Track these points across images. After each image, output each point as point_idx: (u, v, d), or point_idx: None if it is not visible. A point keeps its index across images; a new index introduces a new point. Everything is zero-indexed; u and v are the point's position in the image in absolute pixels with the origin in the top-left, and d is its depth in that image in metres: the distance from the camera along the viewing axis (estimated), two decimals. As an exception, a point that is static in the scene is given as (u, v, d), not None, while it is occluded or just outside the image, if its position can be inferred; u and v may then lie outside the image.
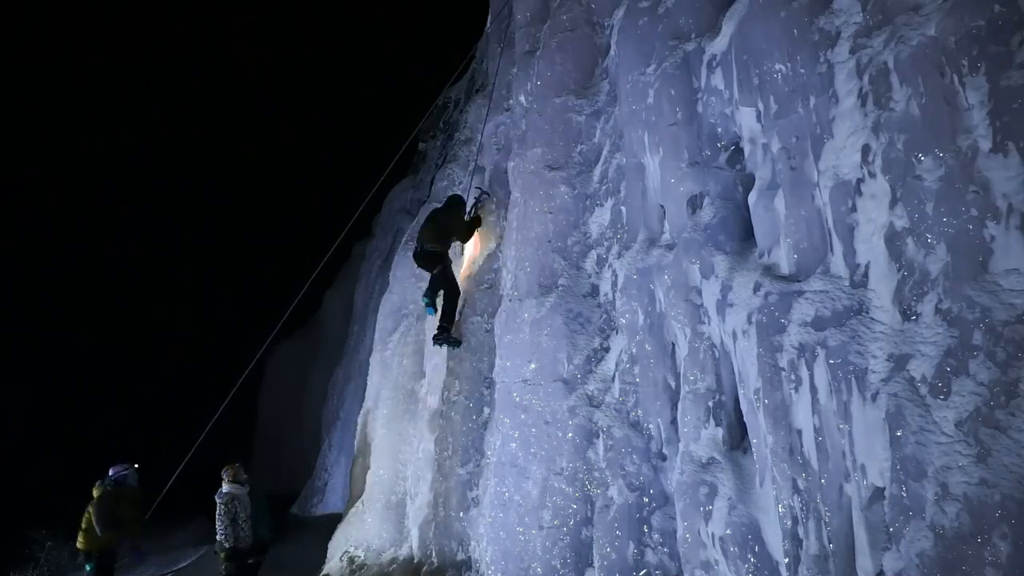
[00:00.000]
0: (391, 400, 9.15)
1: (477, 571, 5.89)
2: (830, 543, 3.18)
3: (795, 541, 3.40)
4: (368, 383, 10.37)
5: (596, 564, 4.43)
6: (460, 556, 6.63)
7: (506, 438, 5.48)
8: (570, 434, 4.87)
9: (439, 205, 7.83)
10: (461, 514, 6.91)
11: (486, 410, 7.18)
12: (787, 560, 3.42)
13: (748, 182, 4.02)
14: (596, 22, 5.94)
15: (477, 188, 7.57)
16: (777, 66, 3.50)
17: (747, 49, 3.73)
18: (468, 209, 7.31)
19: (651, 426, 4.41)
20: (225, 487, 6.71)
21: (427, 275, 8.17)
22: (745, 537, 3.62)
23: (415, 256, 6.96)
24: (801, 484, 3.34)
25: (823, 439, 3.22)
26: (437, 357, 8.62)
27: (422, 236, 6.81)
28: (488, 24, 11.45)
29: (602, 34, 5.87)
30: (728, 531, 3.69)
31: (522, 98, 6.44)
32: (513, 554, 5.01)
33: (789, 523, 3.40)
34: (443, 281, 6.74)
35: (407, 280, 10.15)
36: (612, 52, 5.48)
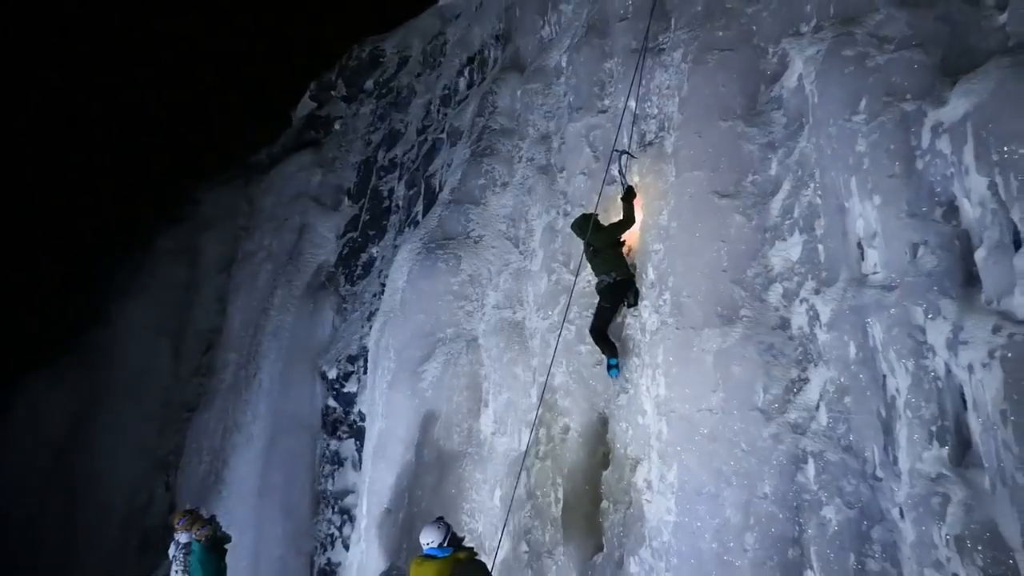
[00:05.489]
0: (443, 442, 10.07)
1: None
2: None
3: (1030, 533, 5.27)
4: (384, 424, 10.78)
5: (819, 575, 6.07)
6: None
7: (686, 467, 7.05)
8: (775, 460, 6.56)
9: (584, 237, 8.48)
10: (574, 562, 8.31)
11: (599, 448, 8.63)
12: (1023, 545, 5.28)
13: (964, 237, 5.90)
14: (758, 45, 7.61)
15: (616, 151, 8.65)
16: (1021, 151, 5.28)
17: (988, 129, 5.50)
18: (617, 175, 8.65)
19: (867, 451, 6.15)
20: None
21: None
22: (981, 534, 5.43)
23: (600, 291, 8.19)
24: (1040, 486, 5.22)
25: (1067, 448, 5.10)
26: (509, 392, 9.86)
27: (596, 269, 8.16)
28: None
29: (766, 59, 7.54)
30: (964, 531, 5.51)
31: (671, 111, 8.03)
32: (711, 581, 6.61)
33: (1026, 518, 5.26)
34: (631, 296, 8.21)
35: (440, 297, 10.70)
36: (795, 86, 7.12)
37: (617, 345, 8.21)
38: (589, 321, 8.47)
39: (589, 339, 8.62)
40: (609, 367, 8.18)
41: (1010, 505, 5.41)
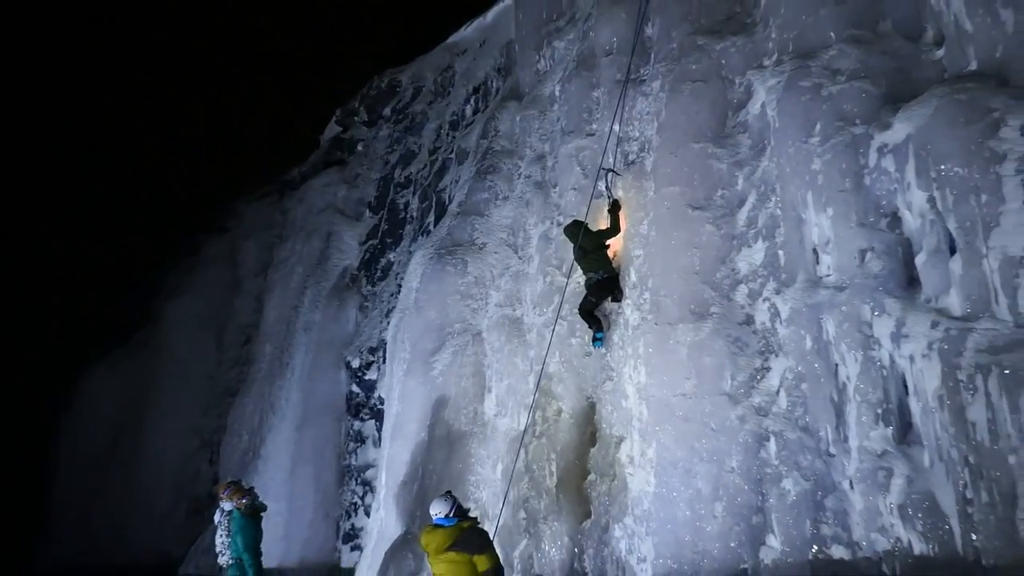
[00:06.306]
0: (452, 423, 10.12)
1: (623, 570, 7.38)
2: (997, 495, 5.03)
3: (964, 499, 5.21)
4: (400, 407, 10.74)
5: (779, 539, 6.10)
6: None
7: (663, 444, 7.03)
8: (741, 438, 6.56)
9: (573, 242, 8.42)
10: (569, 526, 8.28)
11: (588, 428, 8.61)
12: (957, 512, 5.23)
13: (906, 244, 5.91)
14: (726, 77, 7.64)
15: (603, 169, 8.65)
16: (955, 168, 5.29)
17: (927, 150, 5.51)
18: (604, 191, 8.61)
19: (821, 430, 6.16)
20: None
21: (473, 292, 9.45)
22: (921, 503, 5.41)
23: (589, 286, 8.11)
24: (972, 459, 5.11)
25: (995, 427, 5.00)
26: (510, 379, 9.86)
27: (585, 268, 8.08)
28: (514, 32, 12.67)
29: (733, 89, 7.57)
30: (906, 500, 5.49)
31: (650, 134, 8.02)
32: (685, 542, 6.57)
33: (960, 487, 5.21)
34: (616, 292, 8.18)
35: (449, 296, 10.77)
36: (758, 112, 7.13)
37: (603, 321, 8.26)
38: (580, 318, 8.47)
39: (580, 332, 8.61)
40: (594, 339, 8.23)
41: (946, 478, 5.41)
